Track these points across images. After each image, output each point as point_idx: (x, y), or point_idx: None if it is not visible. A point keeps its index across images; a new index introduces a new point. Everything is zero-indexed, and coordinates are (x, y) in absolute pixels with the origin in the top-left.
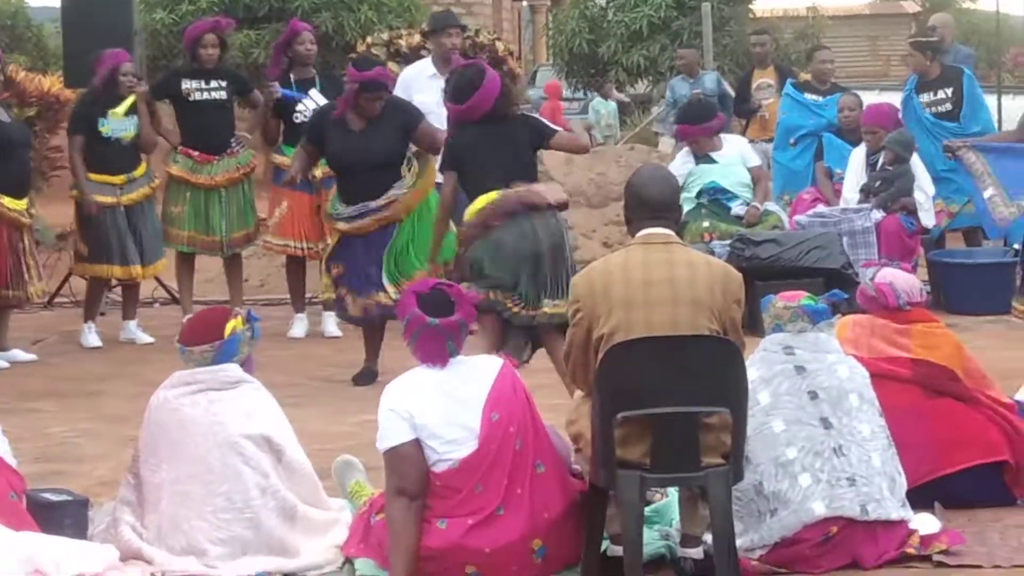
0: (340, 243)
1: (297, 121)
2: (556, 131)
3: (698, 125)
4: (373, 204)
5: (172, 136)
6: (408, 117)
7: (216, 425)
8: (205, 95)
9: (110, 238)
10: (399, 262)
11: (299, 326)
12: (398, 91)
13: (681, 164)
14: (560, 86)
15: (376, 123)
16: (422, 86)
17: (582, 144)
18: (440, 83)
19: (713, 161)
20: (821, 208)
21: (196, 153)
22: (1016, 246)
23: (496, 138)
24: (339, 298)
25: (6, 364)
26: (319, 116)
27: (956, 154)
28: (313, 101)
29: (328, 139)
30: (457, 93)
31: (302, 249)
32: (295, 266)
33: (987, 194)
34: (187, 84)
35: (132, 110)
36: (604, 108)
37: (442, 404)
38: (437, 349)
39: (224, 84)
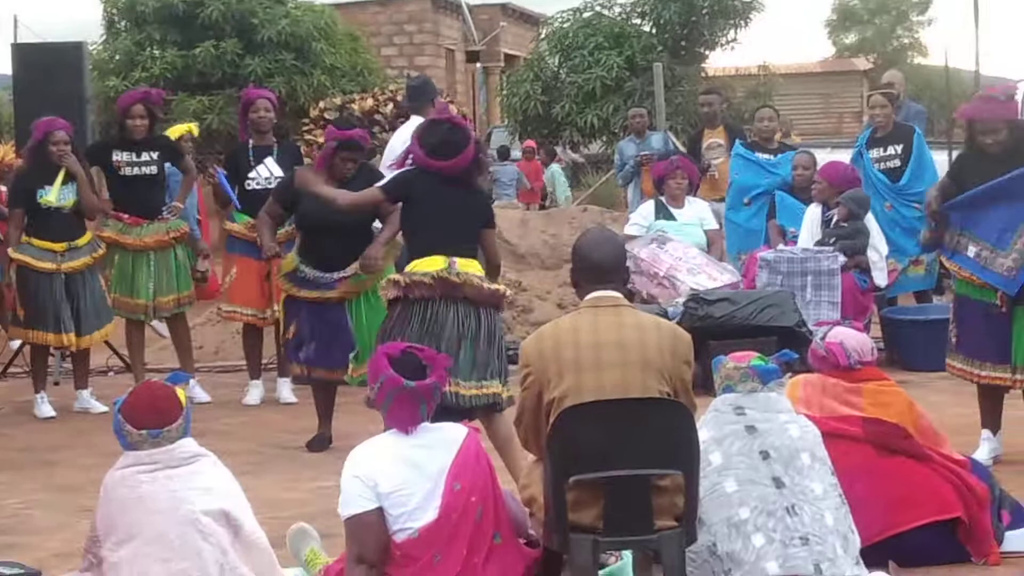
0: (286, 304)
1: (248, 188)
2: (493, 228)
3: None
4: (334, 276)
5: (106, 204)
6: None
7: (175, 501)
8: (135, 169)
9: (46, 304)
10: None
11: (254, 393)
12: (396, 154)
13: (641, 216)
14: (535, 146)
15: (347, 185)
16: None
17: (497, 261)
18: None
19: (672, 218)
20: (789, 248)
21: (126, 216)
22: None
23: (454, 199)
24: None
25: None
26: (291, 178)
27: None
28: (267, 169)
29: (301, 198)
30: (440, 148)
31: (249, 315)
32: (251, 332)
33: (971, 253)
34: (118, 156)
35: (67, 180)
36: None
37: (406, 472)
38: (409, 413)
39: (155, 156)
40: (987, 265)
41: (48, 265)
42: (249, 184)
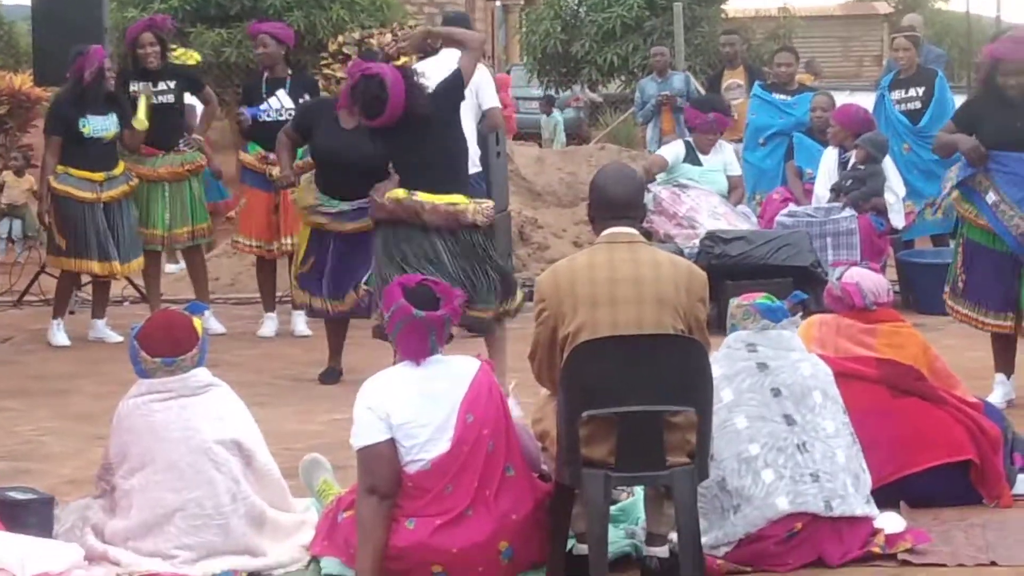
0: (312, 238)
1: (260, 120)
2: (458, 67)
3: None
4: (359, 204)
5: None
6: None
7: (188, 430)
8: (152, 99)
9: (89, 234)
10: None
11: (269, 325)
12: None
13: (671, 151)
14: (509, 80)
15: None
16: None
17: (470, 38)
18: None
19: (698, 163)
20: (804, 208)
21: (141, 146)
22: None
23: (407, 141)
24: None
25: None
26: (313, 105)
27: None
28: (279, 101)
29: (317, 130)
30: (368, 109)
31: (255, 247)
32: (264, 265)
33: (989, 200)
34: (135, 86)
35: (109, 111)
36: (544, 122)
37: (419, 404)
38: (419, 343)
39: (172, 85)
40: (1002, 218)
41: (88, 195)
42: (260, 116)
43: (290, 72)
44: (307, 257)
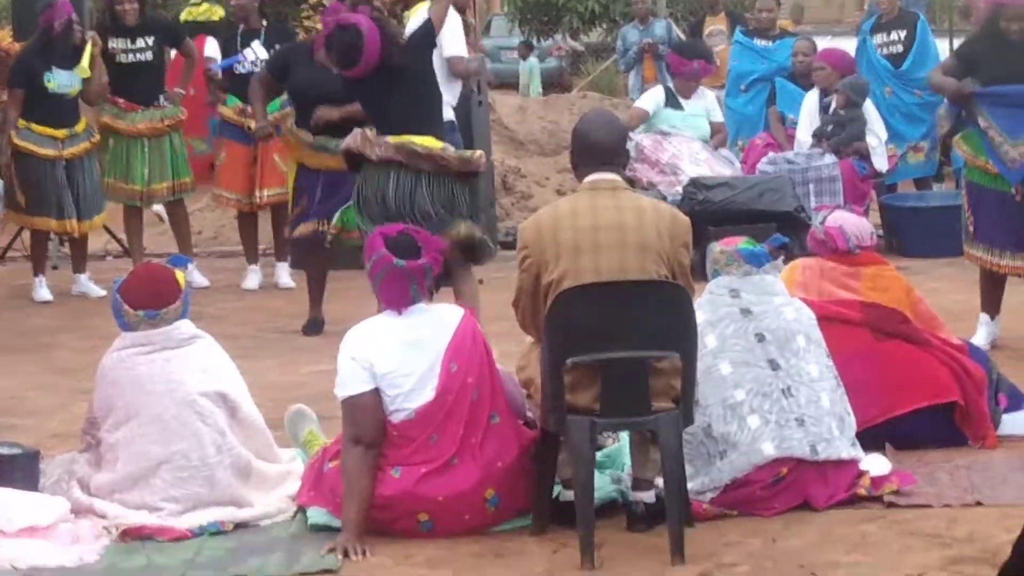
0: (299, 176)
1: (237, 72)
2: (428, 17)
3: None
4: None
5: (104, 89)
6: None
7: (172, 383)
8: (131, 56)
9: (48, 191)
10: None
11: (252, 278)
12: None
13: (651, 99)
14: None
15: None
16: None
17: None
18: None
19: (680, 107)
20: (784, 154)
21: (121, 101)
22: None
23: (383, 90)
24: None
25: None
26: (285, 49)
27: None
28: (253, 52)
29: (292, 69)
30: (344, 58)
31: (234, 200)
32: (246, 218)
33: (981, 124)
34: (113, 43)
35: (75, 65)
36: (521, 67)
37: (402, 353)
38: (400, 291)
39: (151, 41)
40: (993, 146)
41: (50, 151)
42: (237, 69)
43: (264, 23)
44: (298, 199)
